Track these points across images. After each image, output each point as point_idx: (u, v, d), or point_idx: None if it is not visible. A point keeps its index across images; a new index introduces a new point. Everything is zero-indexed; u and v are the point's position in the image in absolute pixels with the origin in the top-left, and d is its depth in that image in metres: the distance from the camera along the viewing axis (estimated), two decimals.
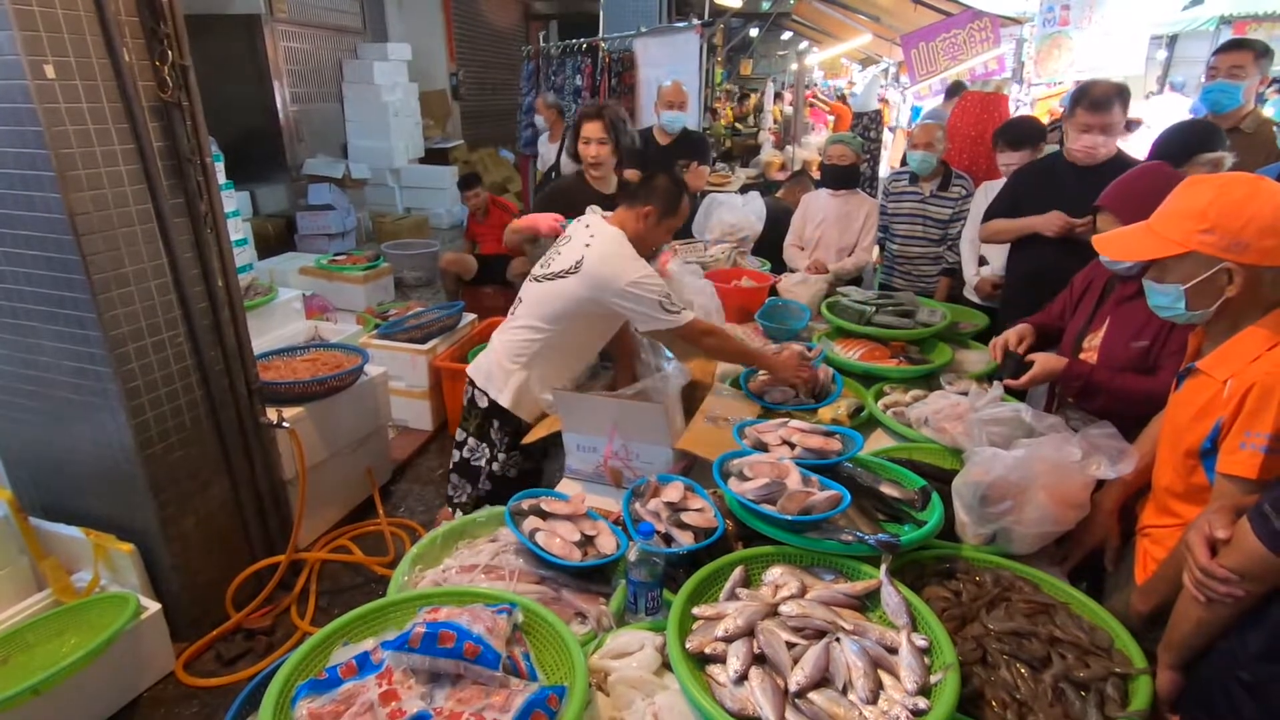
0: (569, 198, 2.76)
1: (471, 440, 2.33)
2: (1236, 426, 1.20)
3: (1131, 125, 3.22)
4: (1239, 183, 1.27)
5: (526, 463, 2.32)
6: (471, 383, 2.31)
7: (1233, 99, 2.90)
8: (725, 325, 2.61)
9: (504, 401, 2.23)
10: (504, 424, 2.27)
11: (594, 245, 2.12)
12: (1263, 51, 2.91)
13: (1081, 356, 1.96)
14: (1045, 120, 4.59)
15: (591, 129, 2.81)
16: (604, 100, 5.77)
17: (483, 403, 2.27)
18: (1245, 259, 1.23)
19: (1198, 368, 1.33)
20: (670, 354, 2.23)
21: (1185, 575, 1.14)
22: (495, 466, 2.31)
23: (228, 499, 2.62)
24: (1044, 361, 1.87)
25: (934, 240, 3.37)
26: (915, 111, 8.77)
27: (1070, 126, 2.43)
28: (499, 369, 2.25)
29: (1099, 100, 2.33)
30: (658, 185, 2.18)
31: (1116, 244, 1.45)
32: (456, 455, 2.38)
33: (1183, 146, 2.28)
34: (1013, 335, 2.06)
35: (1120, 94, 2.34)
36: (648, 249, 2.24)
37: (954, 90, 6.66)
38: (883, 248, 3.64)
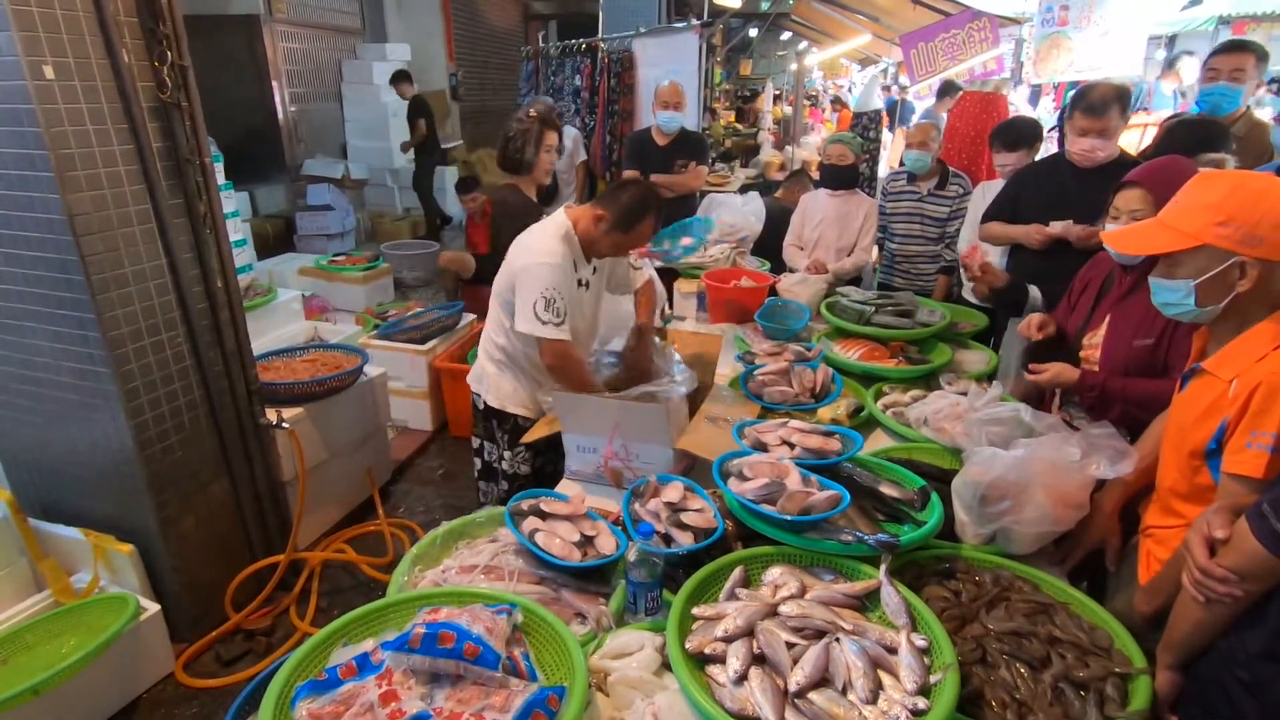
0: (523, 217, 2.70)
1: (486, 444, 2.38)
2: (1242, 426, 1.20)
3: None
4: (1254, 178, 1.28)
5: (537, 459, 2.30)
6: (470, 387, 2.37)
7: (1233, 102, 2.90)
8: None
9: (492, 402, 2.27)
10: (501, 422, 2.29)
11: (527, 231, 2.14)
12: (1262, 55, 2.93)
13: (1082, 355, 1.96)
14: None
15: (554, 139, 2.90)
16: (602, 102, 5.79)
17: (480, 405, 2.32)
18: (1259, 253, 1.23)
19: (1203, 368, 1.33)
20: (679, 358, 2.22)
21: (1184, 575, 1.14)
22: (505, 465, 2.33)
23: (227, 499, 2.62)
24: (1059, 370, 1.87)
25: (932, 239, 3.37)
26: (888, 102, 8.77)
27: (1069, 129, 2.44)
28: (483, 371, 2.31)
29: (1095, 105, 2.33)
30: (622, 196, 2.09)
31: (1128, 239, 1.44)
32: (478, 462, 2.42)
33: (1188, 143, 2.28)
34: (1035, 320, 2.06)
35: (1119, 98, 2.33)
36: (595, 254, 2.20)
37: (945, 90, 6.68)
38: (881, 247, 3.64)
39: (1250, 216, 1.22)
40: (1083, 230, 2.34)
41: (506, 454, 2.31)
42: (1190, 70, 5.42)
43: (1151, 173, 1.77)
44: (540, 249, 2.06)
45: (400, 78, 6.97)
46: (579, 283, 2.17)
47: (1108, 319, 1.90)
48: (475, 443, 2.43)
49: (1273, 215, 1.21)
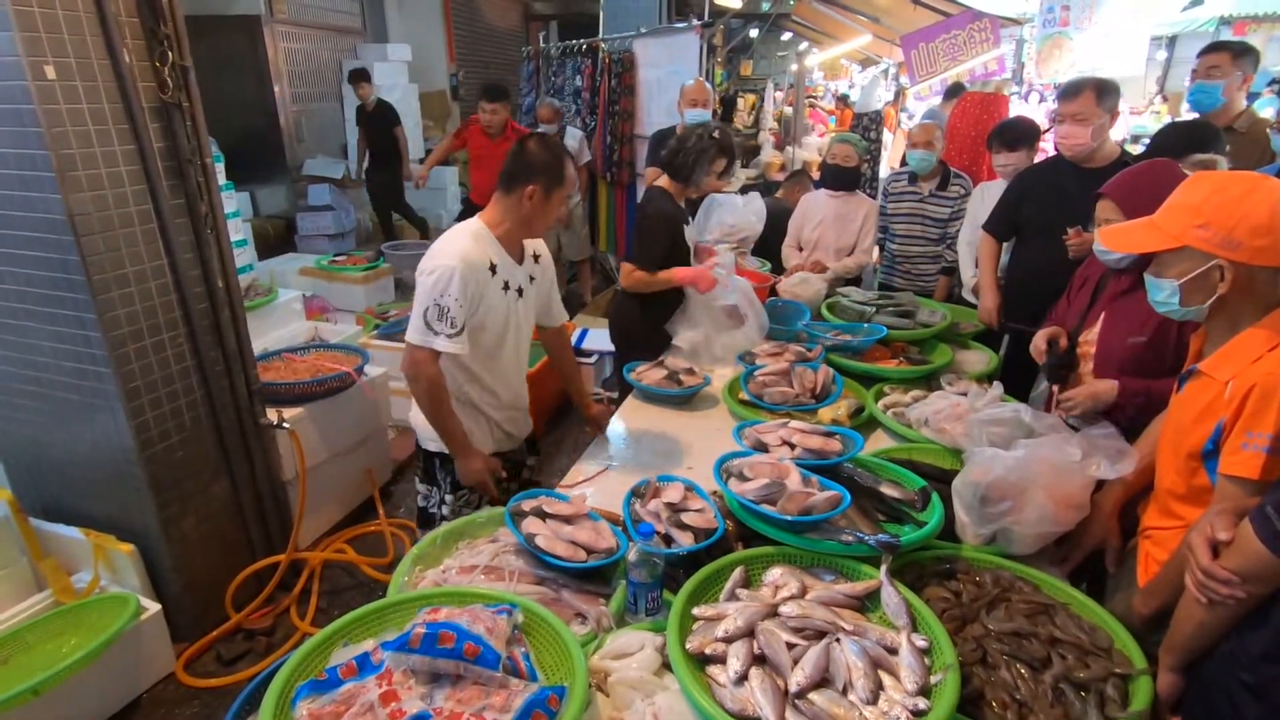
0: (676, 224, 2.75)
1: (422, 486, 2.21)
2: (1238, 427, 1.20)
3: None
4: (1238, 181, 1.28)
5: (482, 502, 2.12)
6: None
7: (1212, 98, 2.93)
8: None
9: (432, 446, 2.10)
10: (444, 463, 2.10)
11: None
12: (1240, 51, 2.94)
13: (1079, 352, 1.96)
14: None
15: (722, 164, 2.79)
16: (603, 102, 5.79)
17: (423, 446, 2.17)
18: (1237, 257, 1.24)
19: (1199, 369, 1.33)
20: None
21: (1187, 577, 1.14)
22: (445, 510, 2.16)
23: (228, 499, 2.62)
24: (1092, 393, 1.79)
25: (933, 239, 3.37)
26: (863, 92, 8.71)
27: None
28: (417, 413, 2.07)
29: (1066, 89, 2.36)
30: (534, 159, 1.87)
31: (1118, 237, 1.47)
32: (418, 504, 2.26)
33: (1178, 144, 2.28)
34: (1041, 339, 2.01)
35: (1098, 85, 2.30)
36: (541, 229, 2.00)
37: (953, 91, 6.67)
38: (882, 248, 3.64)
39: (1228, 220, 1.24)
40: (1075, 235, 2.33)
41: (448, 498, 2.13)
42: None
43: (1118, 183, 1.81)
44: (443, 252, 1.83)
45: (359, 77, 6.24)
46: (505, 287, 1.94)
47: (1103, 316, 1.91)
48: (416, 484, 2.24)
49: (1250, 220, 1.22)
